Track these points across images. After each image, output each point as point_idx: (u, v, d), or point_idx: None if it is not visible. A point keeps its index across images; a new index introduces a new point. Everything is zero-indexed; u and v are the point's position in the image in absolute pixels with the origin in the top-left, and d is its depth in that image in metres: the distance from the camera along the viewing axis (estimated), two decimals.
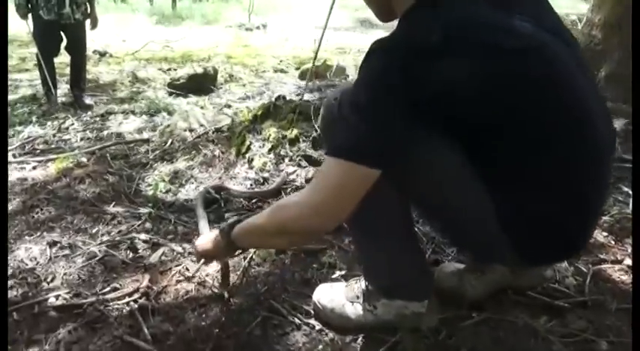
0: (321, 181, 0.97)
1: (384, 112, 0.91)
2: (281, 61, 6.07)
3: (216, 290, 1.44)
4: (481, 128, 0.95)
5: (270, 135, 2.26)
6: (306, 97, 3.77)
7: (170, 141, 2.57)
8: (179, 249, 1.66)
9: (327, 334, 1.31)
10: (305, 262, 1.59)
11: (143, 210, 1.94)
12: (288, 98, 2.55)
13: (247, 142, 2.29)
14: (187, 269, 1.55)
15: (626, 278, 1.47)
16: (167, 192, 2.10)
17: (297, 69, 5.61)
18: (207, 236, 1.34)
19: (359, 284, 1.34)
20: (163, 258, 1.61)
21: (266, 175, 2.12)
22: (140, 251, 1.67)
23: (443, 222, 1.17)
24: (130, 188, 2.13)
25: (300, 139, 2.23)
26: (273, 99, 2.48)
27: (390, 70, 0.89)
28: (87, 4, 3.65)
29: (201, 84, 4.25)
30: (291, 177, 2.09)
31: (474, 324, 1.31)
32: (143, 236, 1.73)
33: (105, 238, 1.74)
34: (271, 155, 2.20)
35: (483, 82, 0.90)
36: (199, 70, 4.40)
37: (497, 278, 1.37)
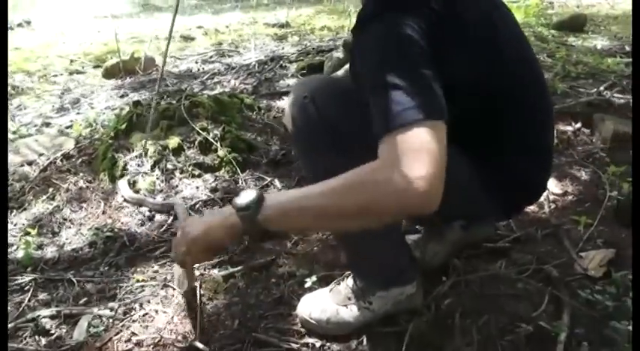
0: (408, 154, 0.77)
1: (417, 63, 0.85)
2: (72, 61, 5.26)
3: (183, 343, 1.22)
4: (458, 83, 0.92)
5: (147, 149, 1.95)
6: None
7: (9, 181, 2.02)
8: (106, 312, 1.34)
9: (329, 348, 1.23)
10: (262, 280, 1.45)
11: (22, 278, 1.50)
12: (145, 103, 2.22)
13: (120, 163, 1.94)
14: (134, 333, 1.27)
15: (536, 208, 1.70)
16: (40, 247, 1.66)
17: (97, 67, 4.93)
18: (203, 219, 0.96)
19: (344, 285, 1.28)
20: (92, 330, 1.28)
21: (159, 197, 1.83)
22: (53, 331, 1.30)
23: None
24: None
25: (185, 146, 1.98)
26: (128, 107, 2.11)
27: (394, 26, 0.88)
28: None
29: None
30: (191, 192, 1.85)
31: (449, 288, 1.37)
32: (46, 311, 1.35)
33: None
34: (156, 171, 1.91)
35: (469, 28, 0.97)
36: None
37: (455, 238, 1.45)
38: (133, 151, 1.96)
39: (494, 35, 1.03)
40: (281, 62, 3.79)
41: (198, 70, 4.11)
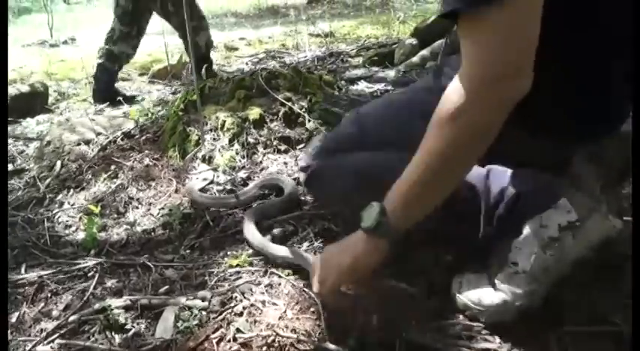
0: (478, 45, 0.72)
1: None
2: None
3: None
4: None
5: (223, 121, 1.64)
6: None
7: (61, 162, 1.73)
8: (197, 303, 1.00)
9: None
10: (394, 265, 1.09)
11: (85, 263, 1.18)
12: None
13: (193, 137, 1.64)
14: (238, 329, 0.92)
15: None
16: (103, 229, 1.35)
17: (142, 75, 4.82)
18: (343, 251, 0.89)
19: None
20: (181, 325, 0.94)
21: (242, 173, 1.51)
22: (129, 326, 0.96)
23: None
24: (41, 237, 1.31)
25: (267, 119, 1.67)
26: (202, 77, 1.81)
27: None
28: None
29: (29, 105, 3.26)
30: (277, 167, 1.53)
31: None
32: (118, 301, 1.02)
33: (49, 327, 0.98)
34: (235, 145, 1.59)
35: None
36: (24, 89, 3.36)
37: None
38: (207, 124, 1.65)
39: None
40: (341, 57, 3.53)
41: (251, 69, 3.90)
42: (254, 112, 1.67)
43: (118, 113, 2.74)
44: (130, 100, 3.13)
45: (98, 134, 1.86)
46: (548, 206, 0.87)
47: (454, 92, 0.74)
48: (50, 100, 3.77)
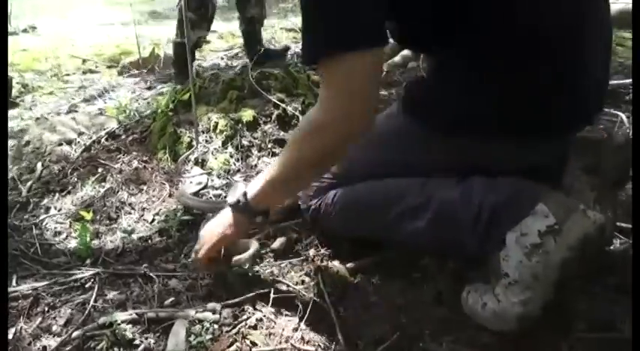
0: (329, 86, 0.88)
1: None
2: (85, 61, 4.96)
3: None
4: None
5: (216, 123, 1.60)
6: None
7: (42, 164, 1.65)
8: (208, 315, 0.97)
9: None
10: (402, 272, 1.09)
11: (82, 273, 1.13)
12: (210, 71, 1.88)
13: (185, 139, 1.59)
14: (253, 343, 0.90)
15: None
16: (96, 236, 1.29)
17: (111, 67, 4.64)
18: (215, 225, 1.06)
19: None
20: (194, 340, 0.92)
21: (238, 177, 1.48)
22: (139, 341, 0.93)
23: None
24: (30, 245, 1.25)
25: (260, 120, 1.64)
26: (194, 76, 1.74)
27: None
28: None
29: None
30: None
31: None
32: (123, 315, 0.98)
33: (51, 344, 0.93)
34: (229, 148, 1.56)
35: None
36: None
37: None
38: (199, 125, 1.61)
39: None
40: None
41: (227, 64, 3.82)
42: (247, 114, 1.64)
43: (93, 109, 2.64)
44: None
45: (80, 134, 1.78)
46: (526, 214, 0.89)
47: (308, 121, 0.93)
48: (14, 92, 3.59)
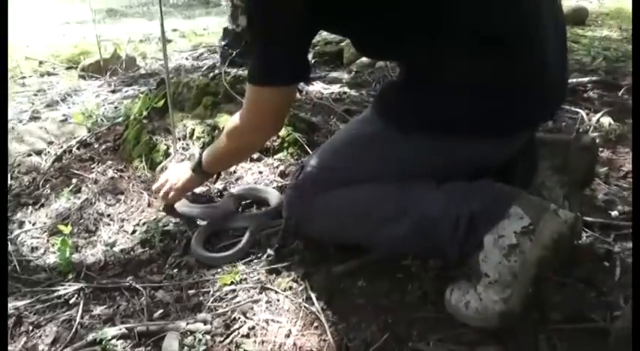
0: (248, 104, 1.13)
1: (271, 31, 1.00)
2: (42, 63, 4.77)
3: None
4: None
5: (192, 130, 1.59)
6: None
7: (10, 175, 1.60)
8: (199, 326, 0.98)
9: None
10: (388, 274, 1.13)
11: (65, 289, 1.11)
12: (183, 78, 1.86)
13: (161, 147, 1.57)
14: (263, 341, 0.91)
15: None
16: (75, 249, 1.27)
17: (70, 68, 4.48)
18: (176, 176, 1.35)
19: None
20: None
21: (218, 184, 1.48)
22: None
23: None
24: (7, 262, 1.21)
25: None
26: (154, 86, 1.73)
27: None
28: None
29: None
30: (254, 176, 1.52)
31: None
32: (113, 330, 0.97)
33: None
34: None
35: None
36: None
37: None
38: (170, 132, 1.60)
39: None
40: None
41: (192, 65, 3.76)
42: (223, 120, 1.63)
43: (57, 115, 2.56)
44: None
45: (50, 143, 1.73)
46: (502, 216, 0.94)
47: (233, 122, 1.18)
48: None
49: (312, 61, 3.05)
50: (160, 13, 1.63)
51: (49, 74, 4.42)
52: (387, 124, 1.07)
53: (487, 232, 0.94)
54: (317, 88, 2.44)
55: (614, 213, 1.34)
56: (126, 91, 3.12)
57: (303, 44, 1.05)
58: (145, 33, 5.45)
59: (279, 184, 1.48)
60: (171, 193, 1.35)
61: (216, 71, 2.68)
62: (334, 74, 2.75)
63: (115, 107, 2.59)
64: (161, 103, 1.65)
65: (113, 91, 3.23)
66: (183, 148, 1.57)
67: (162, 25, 1.61)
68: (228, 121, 1.25)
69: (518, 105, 0.99)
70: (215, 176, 1.38)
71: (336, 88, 2.43)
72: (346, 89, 2.39)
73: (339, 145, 1.17)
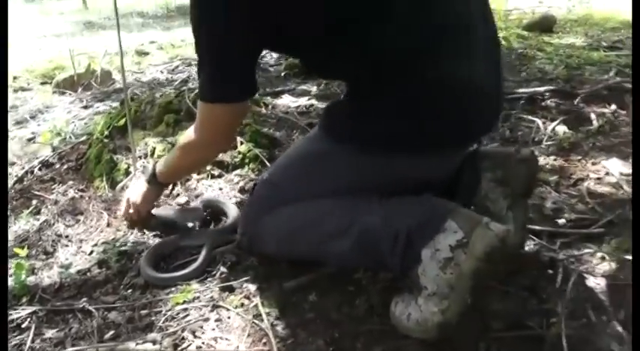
0: (200, 119, 1.17)
1: (217, 51, 1.03)
2: (16, 78, 4.74)
3: None
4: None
5: (153, 148, 1.61)
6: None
7: None
8: (148, 347, 1.00)
9: None
10: (338, 289, 1.15)
11: (18, 313, 1.12)
12: (145, 97, 1.88)
13: (122, 166, 1.59)
14: None
15: (613, 189, 1.52)
16: (32, 272, 1.28)
17: (45, 83, 4.45)
18: (135, 194, 1.39)
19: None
20: None
21: (182, 199, 1.50)
22: None
23: None
24: None
25: None
26: (119, 102, 1.75)
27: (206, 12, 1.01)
28: None
29: None
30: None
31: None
32: None
33: None
34: None
35: None
36: None
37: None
38: (135, 151, 1.61)
39: None
40: (261, 65, 3.52)
41: (167, 79, 3.76)
42: None
43: (25, 133, 2.55)
44: None
45: (12, 164, 1.74)
46: (438, 231, 0.97)
47: (187, 137, 1.24)
48: None
49: (283, 73, 3.09)
50: (118, 27, 1.67)
51: (22, 90, 4.39)
52: (332, 142, 1.10)
53: (424, 246, 0.98)
54: (285, 101, 2.47)
55: (562, 221, 1.39)
56: (97, 107, 3.11)
57: (250, 61, 1.07)
58: (123, 46, 5.42)
59: (239, 200, 1.51)
60: (136, 209, 1.38)
61: (190, 85, 2.71)
62: (303, 87, 2.78)
63: (85, 124, 2.59)
64: (122, 122, 1.67)
65: (85, 107, 3.21)
66: (143, 167, 1.59)
67: (119, 41, 1.64)
68: (183, 135, 1.30)
69: (451, 121, 1.03)
70: (171, 186, 1.47)
71: (304, 101, 2.46)
72: (314, 101, 2.43)
73: (287, 162, 1.21)
